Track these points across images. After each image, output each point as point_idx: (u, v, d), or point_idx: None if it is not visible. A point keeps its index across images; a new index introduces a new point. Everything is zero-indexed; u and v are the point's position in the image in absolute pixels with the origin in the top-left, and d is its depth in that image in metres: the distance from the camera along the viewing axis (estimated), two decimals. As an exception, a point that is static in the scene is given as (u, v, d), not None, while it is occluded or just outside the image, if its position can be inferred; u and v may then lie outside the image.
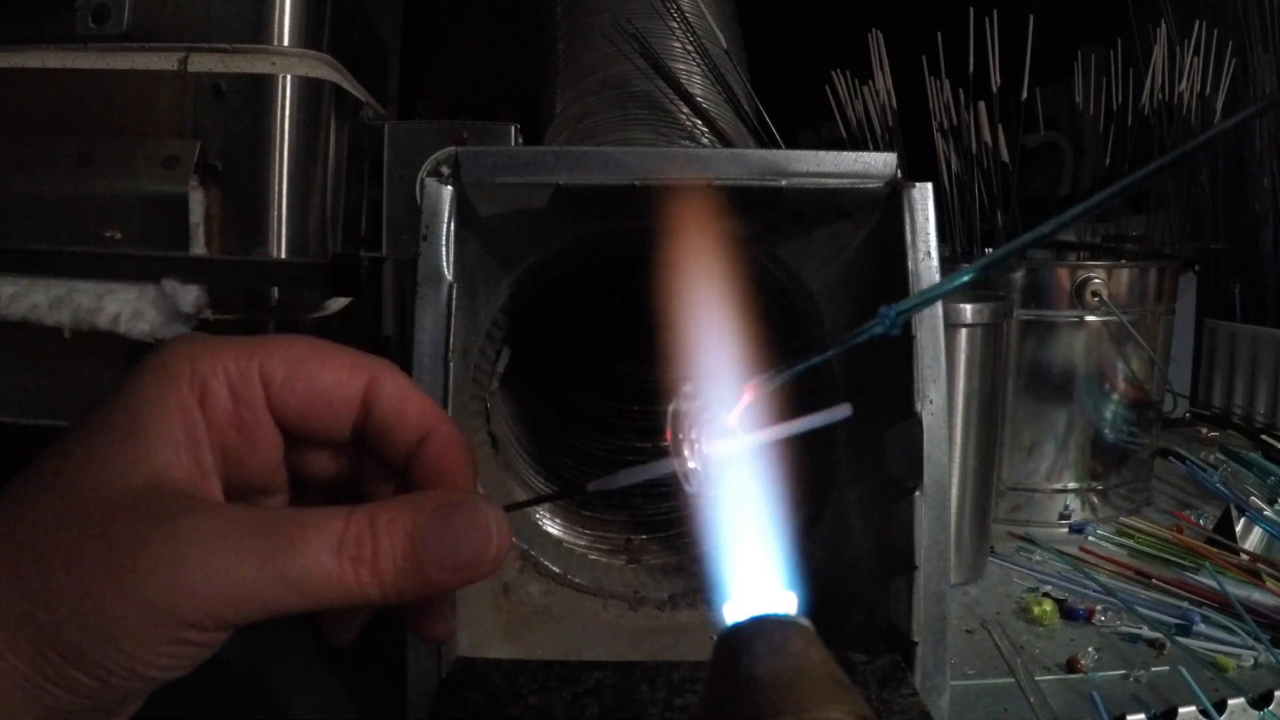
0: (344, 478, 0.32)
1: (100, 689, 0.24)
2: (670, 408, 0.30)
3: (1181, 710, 0.46)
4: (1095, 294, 0.71)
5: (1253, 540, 0.65)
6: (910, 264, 0.45)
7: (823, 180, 0.45)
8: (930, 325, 0.45)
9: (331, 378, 0.29)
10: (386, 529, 0.26)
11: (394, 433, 0.30)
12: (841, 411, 0.30)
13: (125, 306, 0.55)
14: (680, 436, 0.30)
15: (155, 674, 0.25)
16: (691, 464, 0.30)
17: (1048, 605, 0.58)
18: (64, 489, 0.25)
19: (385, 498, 0.31)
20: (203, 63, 0.56)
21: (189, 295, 0.54)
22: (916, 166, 0.70)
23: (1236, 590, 0.57)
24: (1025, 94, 0.74)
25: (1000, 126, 0.73)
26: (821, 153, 0.46)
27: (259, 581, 0.25)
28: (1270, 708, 0.47)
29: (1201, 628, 0.54)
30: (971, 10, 0.73)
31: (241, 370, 0.28)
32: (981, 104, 0.73)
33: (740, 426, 0.30)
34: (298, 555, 0.25)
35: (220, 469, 0.29)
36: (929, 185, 0.46)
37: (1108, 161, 0.79)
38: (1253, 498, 0.69)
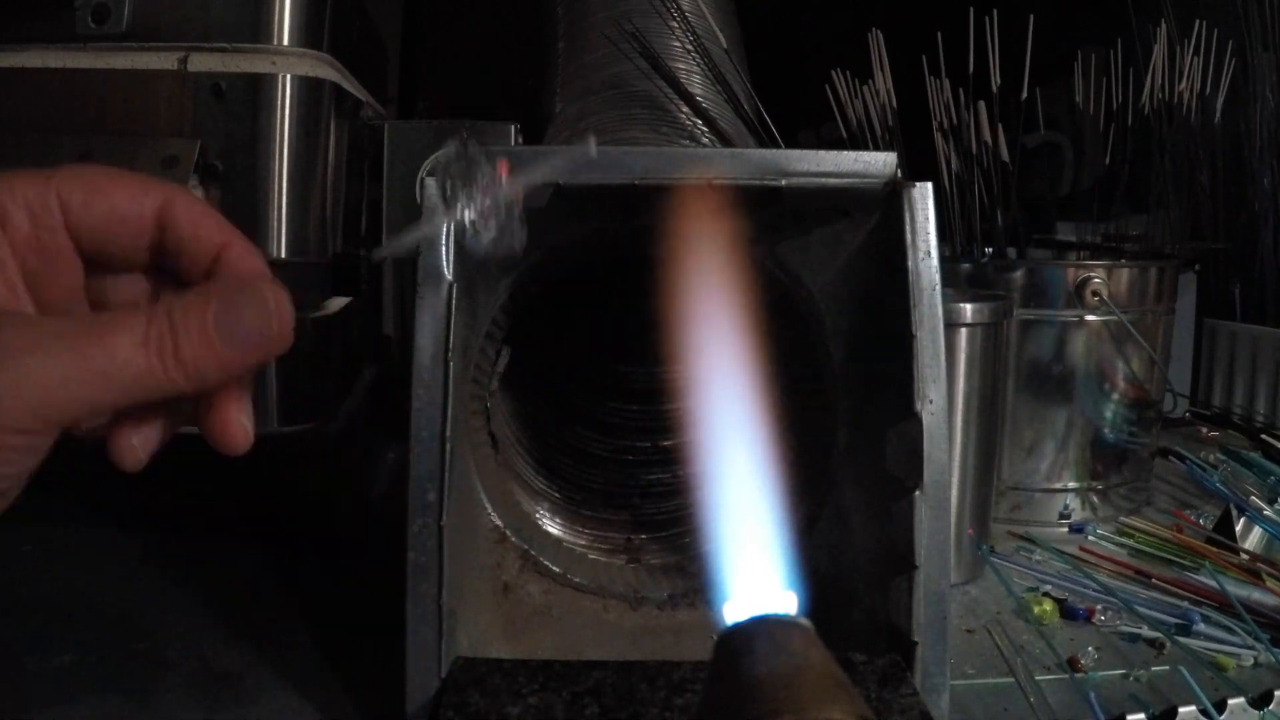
0: (146, 302, 0.33)
1: None
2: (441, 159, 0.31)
3: (1181, 710, 0.46)
4: (1095, 294, 0.71)
5: (1253, 540, 0.65)
6: (910, 264, 0.45)
7: (823, 180, 0.45)
8: (930, 325, 0.45)
9: (125, 198, 0.31)
10: (183, 318, 0.28)
11: (189, 251, 0.31)
12: (585, 152, 0.32)
13: (125, 306, 0.55)
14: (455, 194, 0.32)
15: None
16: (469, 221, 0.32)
17: (1048, 605, 0.58)
18: None
19: None
20: (202, 62, 0.56)
21: (189, 295, 0.54)
22: (916, 166, 0.70)
23: (1236, 590, 0.57)
24: (1025, 94, 0.74)
25: (1000, 126, 0.73)
26: (821, 152, 0.46)
27: (74, 378, 0.26)
28: (1270, 707, 0.47)
29: (1201, 627, 0.54)
30: (971, 10, 0.73)
31: (40, 196, 0.30)
32: (981, 104, 0.73)
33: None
34: (107, 350, 0.27)
35: (30, 290, 0.30)
36: (929, 185, 0.46)
37: (1108, 161, 0.79)
38: (1253, 497, 0.69)
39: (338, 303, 0.62)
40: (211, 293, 0.29)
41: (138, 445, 0.32)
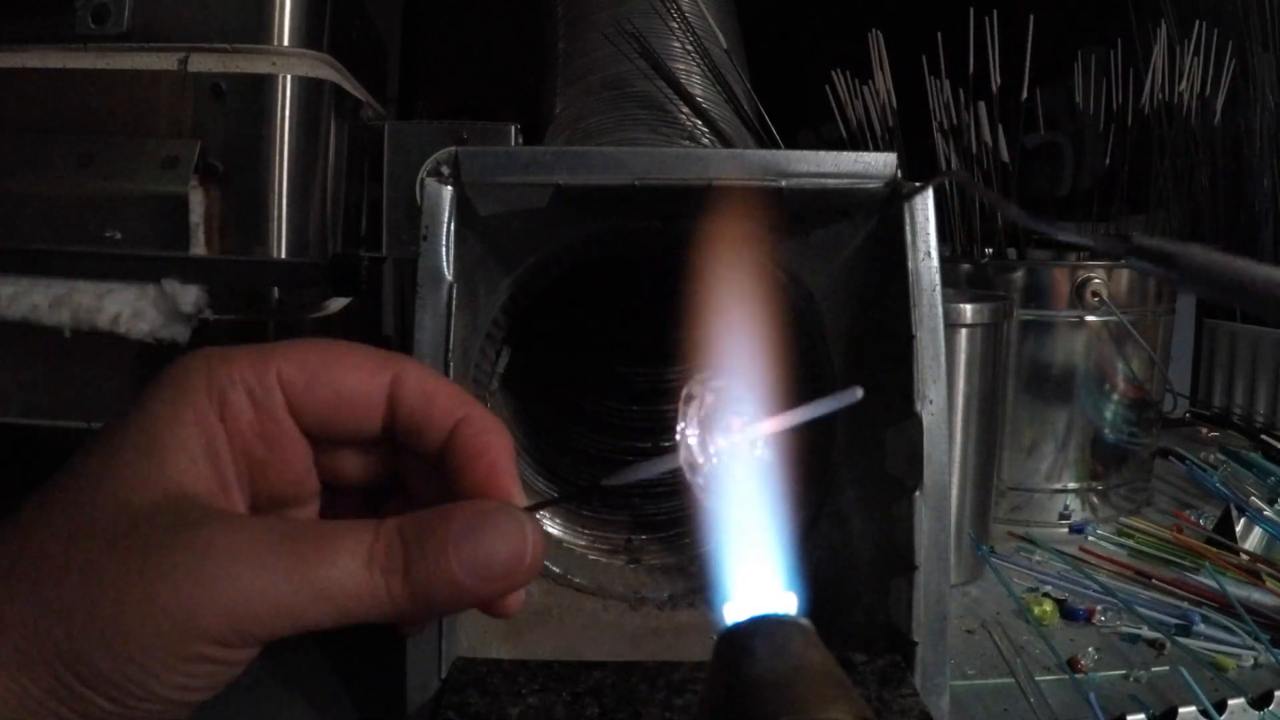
0: (379, 478, 0.31)
1: (117, 712, 0.23)
2: (685, 395, 0.29)
3: (1181, 710, 0.46)
4: (1095, 294, 0.71)
5: (1253, 540, 0.65)
6: (910, 264, 0.45)
7: (823, 180, 0.45)
8: (930, 325, 0.45)
9: (353, 380, 0.28)
10: (417, 540, 0.26)
11: (424, 427, 0.29)
12: (851, 396, 0.29)
13: (125, 306, 0.55)
14: (692, 429, 0.29)
15: (175, 695, 0.24)
16: (701, 458, 0.29)
17: (1048, 605, 0.58)
18: (79, 504, 0.24)
19: (423, 494, 0.31)
20: (203, 63, 0.56)
21: (189, 295, 0.54)
22: (916, 166, 0.70)
23: (1236, 590, 0.57)
24: (1025, 94, 0.74)
25: (1000, 126, 0.73)
26: (821, 153, 0.46)
27: (286, 593, 0.24)
28: (1270, 708, 0.47)
29: (1201, 628, 0.54)
30: (971, 10, 0.73)
31: (260, 378, 0.27)
32: (981, 104, 0.73)
33: (750, 417, 0.29)
34: (327, 566, 0.25)
35: (246, 482, 0.28)
36: (929, 187, 0.46)
37: (1108, 161, 0.79)
38: (1253, 498, 0.69)
39: (338, 303, 0.62)
40: (455, 514, 0.27)
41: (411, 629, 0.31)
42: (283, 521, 0.27)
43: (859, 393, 0.29)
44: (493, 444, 0.29)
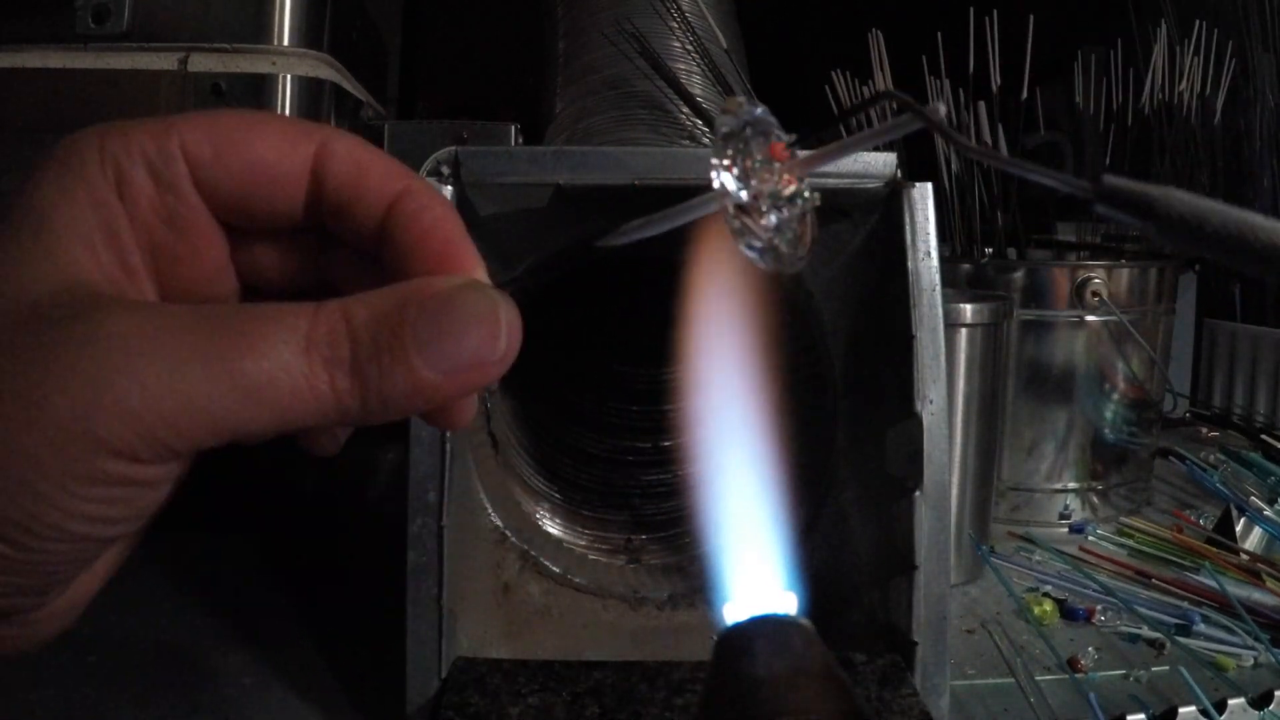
0: (307, 278, 0.26)
1: (17, 555, 0.19)
2: (722, 124, 0.23)
3: (1181, 710, 0.46)
4: (1095, 294, 0.71)
5: (1253, 540, 0.65)
6: (910, 264, 0.45)
7: (822, 180, 0.45)
8: (930, 325, 0.45)
9: (270, 149, 0.24)
10: (366, 323, 0.21)
11: (356, 204, 0.24)
12: (914, 123, 0.22)
13: (125, 306, 0.55)
14: (731, 160, 0.23)
15: (85, 528, 0.20)
16: (744, 194, 0.23)
17: (1048, 605, 0.58)
18: None
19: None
20: (203, 63, 0.56)
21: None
22: (916, 166, 0.70)
23: (1236, 590, 0.57)
24: (1025, 94, 0.74)
25: (1000, 126, 0.73)
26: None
27: (205, 391, 0.19)
28: (1270, 708, 0.47)
29: (1201, 628, 0.54)
30: (971, 10, 0.73)
31: (161, 149, 0.23)
32: (981, 104, 0.73)
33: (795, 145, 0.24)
34: (254, 355, 0.20)
35: (153, 272, 0.23)
36: (929, 185, 0.46)
37: (1108, 161, 0.79)
38: (1253, 498, 0.69)
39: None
40: (412, 293, 0.22)
41: (317, 437, 0.26)
42: (200, 307, 0.21)
43: (938, 110, 0.22)
44: (442, 216, 0.24)
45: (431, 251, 0.24)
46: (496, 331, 0.22)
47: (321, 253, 0.26)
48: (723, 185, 0.23)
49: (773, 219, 0.23)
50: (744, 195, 0.23)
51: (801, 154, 0.24)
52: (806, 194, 0.24)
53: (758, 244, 0.23)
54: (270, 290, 0.26)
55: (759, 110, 0.23)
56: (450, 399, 0.23)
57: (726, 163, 0.23)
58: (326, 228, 0.25)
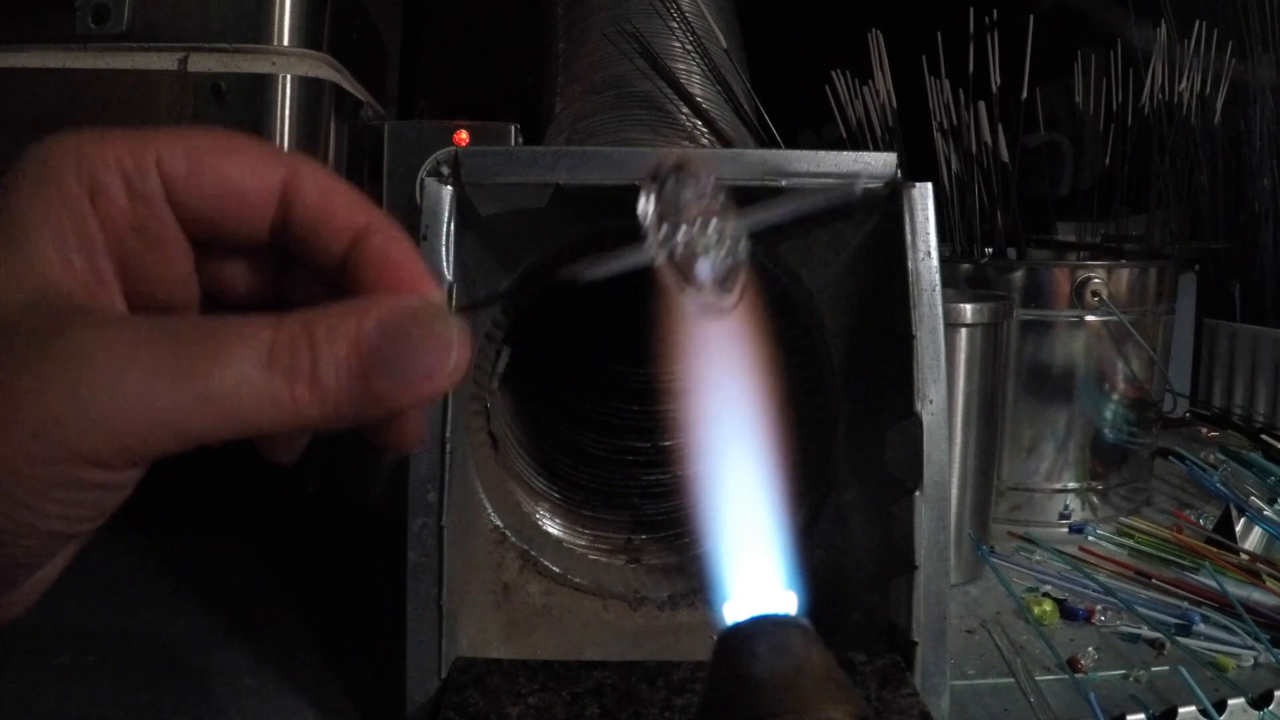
0: (265, 293, 0.28)
1: None
2: (646, 177, 0.24)
3: (1181, 710, 0.46)
4: (1095, 294, 0.71)
5: (1253, 540, 0.65)
6: (910, 264, 0.45)
7: (823, 180, 0.45)
8: (930, 325, 0.45)
9: (243, 172, 0.25)
10: (326, 337, 0.22)
11: (320, 233, 0.26)
12: (851, 189, 0.25)
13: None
14: (663, 214, 0.24)
15: (56, 526, 0.21)
16: (678, 249, 0.24)
17: (1048, 605, 0.58)
18: None
19: None
20: (202, 63, 0.56)
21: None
22: (916, 166, 0.70)
23: (1236, 590, 0.57)
24: (1025, 94, 0.74)
25: (1000, 126, 0.73)
26: (821, 153, 0.46)
27: (172, 402, 0.21)
28: (1270, 708, 0.47)
29: (1201, 628, 0.54)
30: (971, 10, 0.73)
31: (137, 162, 0.24)
32: (981, 104, 0.73)
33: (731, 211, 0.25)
34: (219, 368, 0.21)
35: (121, 280, 0.24)
36: (929, 185, 0.46)
37: (1107, 161, 0.80)
38: (1253, 498, 0.69)
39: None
40: (370, 310, 0.23)
41: (277, 446, 0.27)
42: (168, 319, 0.23)
43: (859, 187, 0.24)
44: (406, 251, 0.26)
45: (393, 280, 0.25)
46: (449, 347, 0.24)
47: (282, 269, 0.27)
48: (655, 240, 0.24)
49: (706, 268, 0.24)
50: (677, 245, 0.24)
51: (741, 210, 0.25)
52: (740, 247, 0.24)
53: (692, 294, 0.25)
54: (230, 301, 0.28)
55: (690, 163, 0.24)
56: (405, 408, 0.24)
57: (654, 217, 0.24)
58: (289, 249, 0.26)
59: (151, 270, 0.25)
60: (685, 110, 0.66)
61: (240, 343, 0.22)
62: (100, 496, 0.21)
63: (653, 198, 0.24)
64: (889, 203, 0.46)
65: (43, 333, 0.21)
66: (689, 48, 0.69)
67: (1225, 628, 0.54)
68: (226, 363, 0.21)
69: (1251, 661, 0.52)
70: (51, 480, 0.20)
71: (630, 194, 0.24)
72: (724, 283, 0.25)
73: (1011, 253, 0.79)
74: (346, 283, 0.26)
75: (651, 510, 0.60)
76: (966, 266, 0.74)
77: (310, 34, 0.59)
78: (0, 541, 0.20)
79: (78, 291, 0.23)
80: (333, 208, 0.26)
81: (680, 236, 0.24)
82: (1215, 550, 0.65)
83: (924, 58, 0.75)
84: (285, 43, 0.58)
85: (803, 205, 0.25)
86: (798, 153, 0.46)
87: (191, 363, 0.21)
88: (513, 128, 0.61)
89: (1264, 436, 0.89)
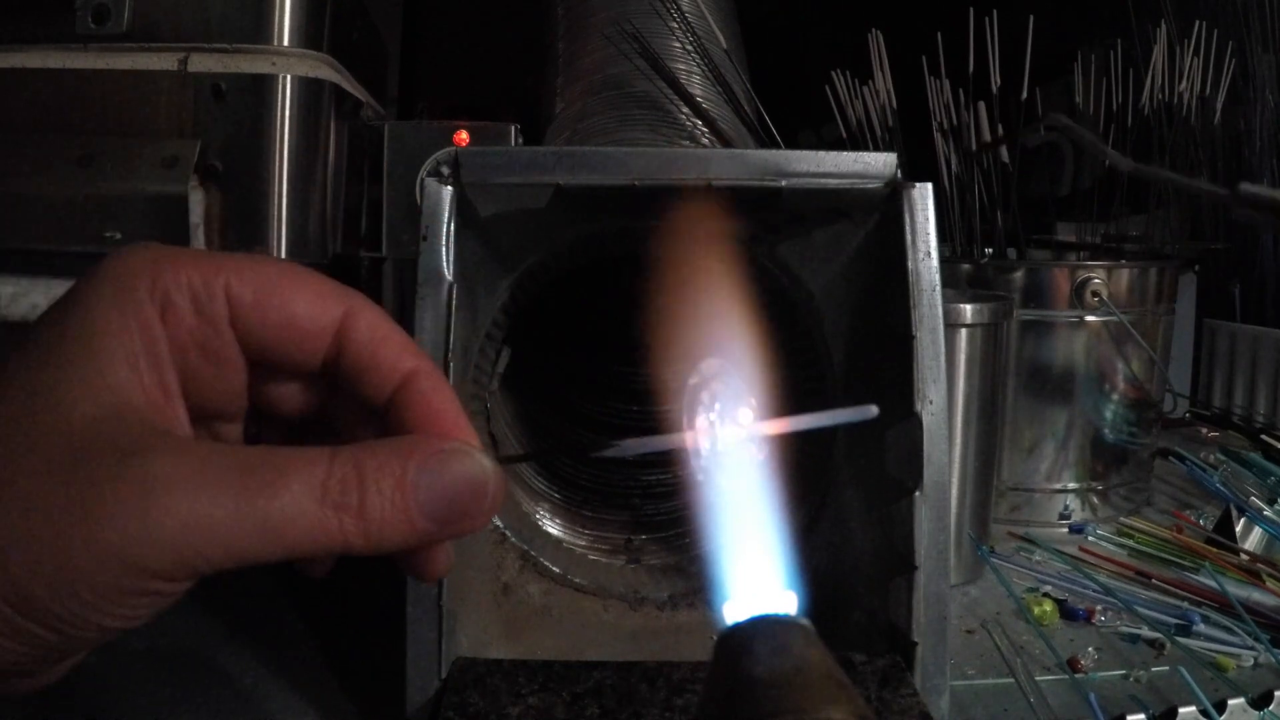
0: (309, 412, 0.30)
1: (54, 640, 0.23)
2: (689, 381, 0.29)
3: (1181, 710, 0.46)
4: (1095, 294, 0.71)
5: (1253, 540, 0.65)
6: (910, 264, 0.45)
7: (822, 180, 0.45)
8: (930, 325, 0.45)
9: (305, 305, 0.27)
10: (374, 475, 0.24)
11: (370, 372, 0.28)
12: (865, 412, 0.28)
13: (125, 306, 0.55)
14: (696, 412, 0.28)
15: (114, 624, 0.23)
16: (704, 442, 0.28)
17: (1048, 605, 0.58)
18: (14, 420, 0.23)
19: (353, 436, 0.29)
20: (203, 63, 0.56)
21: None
22: (916, 166, 0.70)
23: (1236, 590, 0.57)
24: (1025, 94, 0.74)
25: (1000, 126, 0.73)
26: (821, 153, 0.46)
27: (233, 527, 0.23)
28: (1270, 708, 0.47)
29: (1201, 628, 0.54)
30: (971, 10, 0.73)
31: (207, 285, 0.25)
32: (981, 104, 0.73)
33: (755, 414, 0.29)
34: (277, 499, 0.23)
35: (183, 393, 0.26)
36: (929, 185, 0.46)
37: (1107, 162, 0.79)
38: (1253, 498, 0.69)
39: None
40: (412, 450, 0.25)
41: (313, 563, 0.29)
42: (233, 449, 0.25)
43: (874, 410, 0.28)
44: (449, 399, 0.28)
45: (435, 424, 0.27)
46: (485, 491, 0.26)
47: (328, 395, 0.29)
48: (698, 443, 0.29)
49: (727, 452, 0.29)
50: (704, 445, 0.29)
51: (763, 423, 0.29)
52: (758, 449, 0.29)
53: (701, 465, 0.29)
54: (276, 416, 0.30)
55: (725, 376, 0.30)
56: (439, 541, 0.27)
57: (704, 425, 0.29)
58: (339, 380, 0.28)
59: (210, 384, 0.27)
60: (685, 110, 0.66)
61: (297, 477, 0.24)
62: (158, 601, 0.23)
63: (699, 404, 0.29)
64: (889, 203, 0.46)
65: (117, 452, 0.23)
66: (689, 48, 0.69)
67: (1225, 628, 0.54)
68: (284, 494, 0.23)
69: (1251, 661, 0.52)
70: (120, 588, 0.22)
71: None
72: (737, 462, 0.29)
73: (1011, 253, 0.79)
74: (390, 418, 0.28)
75: (651, 510, 0.60)
76: (966, 266, 0.74)
77: (310, 34, 0.59)
78: (65, 633, 0.23)
79: (147, 407, 0.24)
80: (384, 350, 0.28)
81: (711, 427, 0.29)
82: (1215, 550, 0.65)
83: (924, 58, 0.75)
84: (285, 43, 0.58)
85: (819, 420, 0.29)
86: (798, 153, 0.46)
87: (254, 493, 0.23)
88: (513, 128, 0.61)
89: (1264, 436, 0.89)
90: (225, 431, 0.29)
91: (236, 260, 0.26)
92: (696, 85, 0.68)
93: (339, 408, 0.30)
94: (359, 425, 0.30)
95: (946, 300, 0.47)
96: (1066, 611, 0.58)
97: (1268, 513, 0.67)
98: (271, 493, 0.23)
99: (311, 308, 0.27)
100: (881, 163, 0.46)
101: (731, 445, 0.28)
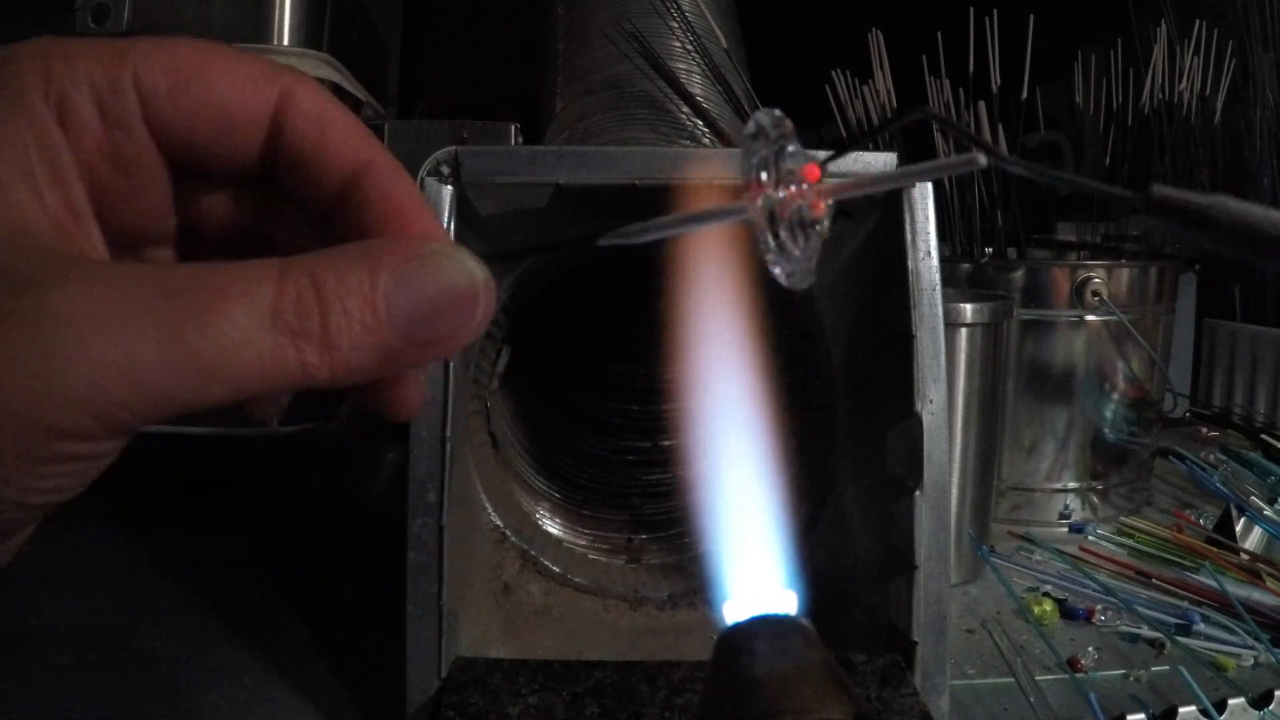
0: (249, 227, 0.25)
1: None
2: (745, 131, 0.23)
3: (1181, 710, 0.46)
4: (1095, 294, 0.71)
5: (1253, 540, 0.65)
6: (910, 263, 0.45)
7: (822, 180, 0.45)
8: (930, 325, 0.45)
9: (231, 88, 0.22)
10: (336, 289, 0.20)
11: (314, 165, 0.23)
12: (973, 161, 0.22)
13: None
14: (752, 170, 0.22)
15: (37, 500, 0.19)
16: (761, 206, 0.23)
17: (1048, 605, 0.58)
18: None
19: (299, 250, 0.23)
20: (203, 63, 0.56)
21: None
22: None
23: (1236, 590, 0.57)
24: (1025, 94, 0.74)
25: (1000, 126, 0.73)
26: (821, 152, 0.46)
27: (161, 368, 0.18)
28: (1270, 708, 0.47)
29: (1201, 627, 0.54)
30: (971, 10, 0.73)
31: (112, 81, 0.21)
32: (981, 104, 0.73)
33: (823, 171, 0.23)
34: (217, 329, 0.19)
35: (95, 213, 0.22)
36: (929, 185, 0.46)
37: (1107, 161, 0.79)
38: (1253, 498, 0.69)
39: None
40: (382, 255, 0.21)
41: (261, 407, 0.24)
42: (156, 269, 0.21)
43: (982, 160, 0.22)
44: (409, 191, 0.24)
45: (396, 224, 0.23)
46: (474, 301, 0.21)
47: (267, 202, 0.25)
48: (756, 202, 0.23)
49: (800, 243, 0.23)
50: (775, 208, 0.23)
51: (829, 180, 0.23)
52: (826, 222, 0.23)
53: (781, 258, 0.23)
54: (210, 234, 0.25)
55: (788, 124, 0.23)
56: (417, 366, 0.22)
57: (764, 175, 0.22)
58: (277, 180, 0.24)
59: (127, 200, 0.22)
60: (685, 110, 0.66)
61: (240, 299, 0.19)
62: (84, 466, 0.19)
63: (761, 154, 0.23)
64: (889, 202, 0.46)
65: (17, 287, 0.18)
66: (689, 48, 0.69)
67: (1225, 628, 0.54)
68: (224, 322, 0.19)
69: (1251, 661, 0.52)
70: (32, 456, 0.18)
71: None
72: (806, 247, 0.23)
73: (1011, 252, 0.79)
74: (340, 223, 0.23)
75: (651, 510, 0.60)
76: (966, 266, 0.74)
77: (310, 34, 0.59)
78: None
79: (50, 231, 0.20)
80: (331, 134, 0.23)
81: (780, 194, 0.23)
82: (1215, 550, 0.65)
83: (924, 58, 0.75)
84: (285, 43, 0.58)
85: (910, 173, 0.24)
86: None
87: (182, 323, 0.18)
88: (513, 128, 0.61)
89: (1264, 436, 0.89)
90: (155, 258, 0.24)
91: (144, 45, 0.21)
92: (696, 85, 0.68)
93: (281, 221, 0.25)
94: (310, 240, 0.24)
95: (946, 300, 0.47)
96: (1066, 611, 0.58)
97: (1268, 512, 0.67)
98: (208, 321, 0.18)
99: (240, 90, 0.22)
100: (881, 163, 0.46)
101: (794, 207, 0.23)
